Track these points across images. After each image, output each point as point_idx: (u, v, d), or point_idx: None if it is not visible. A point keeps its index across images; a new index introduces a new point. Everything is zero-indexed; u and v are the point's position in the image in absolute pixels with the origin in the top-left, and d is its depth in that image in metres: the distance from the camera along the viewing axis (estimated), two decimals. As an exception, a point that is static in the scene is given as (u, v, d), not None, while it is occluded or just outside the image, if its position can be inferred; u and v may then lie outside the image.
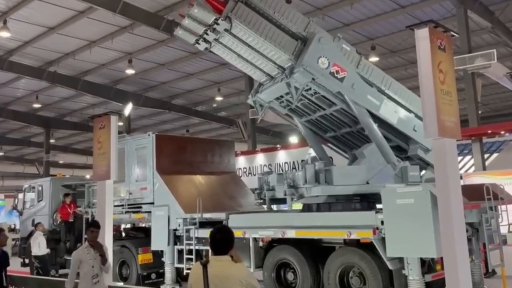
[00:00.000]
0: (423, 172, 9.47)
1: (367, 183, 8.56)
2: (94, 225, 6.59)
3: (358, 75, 8.80)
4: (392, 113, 9.00)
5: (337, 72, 8.47)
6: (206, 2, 8.58)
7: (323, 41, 8.48)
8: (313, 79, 8.44)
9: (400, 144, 9.44)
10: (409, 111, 9.26)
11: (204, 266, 3.80)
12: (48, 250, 13.08)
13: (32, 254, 12.85)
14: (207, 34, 8.63)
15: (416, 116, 9.16)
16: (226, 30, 8.47)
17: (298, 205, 9.71)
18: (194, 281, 3.89)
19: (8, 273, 7.31)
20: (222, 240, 3.92)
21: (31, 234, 14.90)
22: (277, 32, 8.62)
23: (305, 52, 8.40)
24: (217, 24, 8.38)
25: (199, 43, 8.95)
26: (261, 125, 26.00)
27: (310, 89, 8.76)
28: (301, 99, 9.23)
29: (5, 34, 16.41)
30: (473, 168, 16.68)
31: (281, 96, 9.23)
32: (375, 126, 8.81)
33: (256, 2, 8.57)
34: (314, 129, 10.12)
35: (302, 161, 11.97)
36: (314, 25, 8.88)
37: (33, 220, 15.05)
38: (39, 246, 12.70)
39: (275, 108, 9.79)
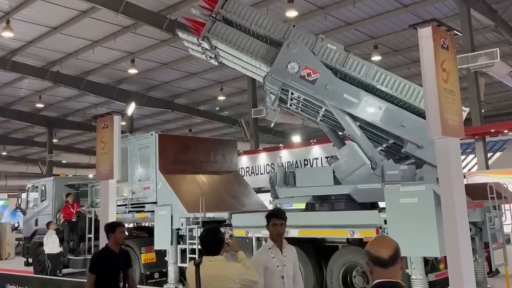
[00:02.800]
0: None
1: (339, 183, 8.51)
2: (277, 215, 4.43)
3: (334, 74, 8.67)
4: (375, 110, 8.54)
5: (309, 74, 8.48)
6: (189, 23, 9.24)
7: (292, 46, 8.55)
8: (286, 84, 8.55)
9: (396, 141, 9.17)
10: (399, 105, 8.74)
11: (197, 266, 3.85)
12: (61, 249, 13.12)
13: (46, 252, 12.90)
14: (205, 51, 9.11)
15: (408, 110, 8.68)
16: (212, 46, 8.86)
17: (301, 205, 9.71)
18: (189, 281, 3.96)
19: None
20: (212, 242, 3.97)
21: (34, 233, 14.98)
22: (255, 43, 9.02)
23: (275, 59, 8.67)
24: (201, 43, 8.95)
25: (209, 59, 9.63)
26: (264, 124, 26.00)
27: (293, 93, 8.92)
28: (299, 101, 9.34)
29: (8, 34, 16.41)
30: (476, 167, 16.67)
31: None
32: (353, 125, 8.66)
33: (234, 18, 9.05)
34: (331, 127, 10.15)
35: (328, 157, 11.92)
36: (295, 30, 8.98)
37: (36, 220, 15.10)
38: (52, 244, 12.77)
39: (293, 110, 9.97)
